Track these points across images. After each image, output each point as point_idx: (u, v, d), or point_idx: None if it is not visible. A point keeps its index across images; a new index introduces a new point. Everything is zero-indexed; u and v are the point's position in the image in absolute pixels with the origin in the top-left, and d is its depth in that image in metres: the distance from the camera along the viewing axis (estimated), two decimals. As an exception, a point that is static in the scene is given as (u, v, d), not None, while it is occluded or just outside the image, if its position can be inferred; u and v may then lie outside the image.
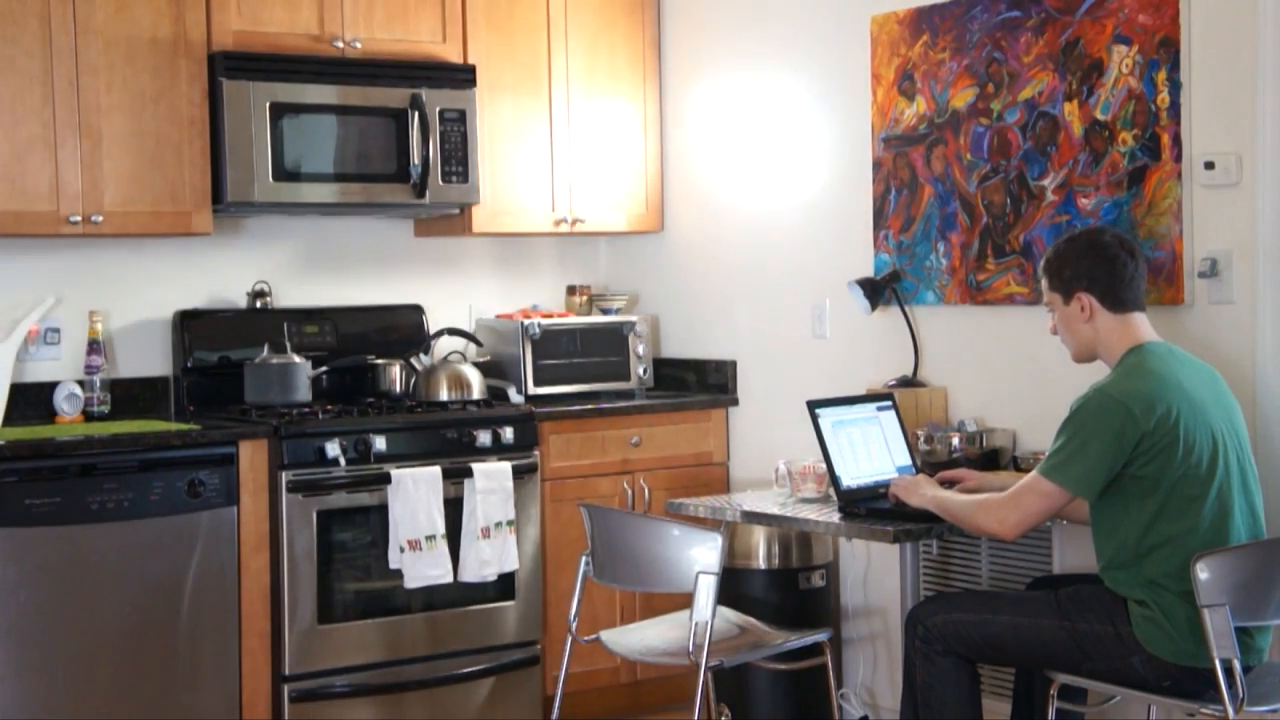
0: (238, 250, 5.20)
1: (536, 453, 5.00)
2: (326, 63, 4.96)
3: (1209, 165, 4.00)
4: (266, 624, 4.58)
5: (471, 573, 4.78)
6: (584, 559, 4.05)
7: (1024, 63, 4.44)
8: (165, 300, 5.07)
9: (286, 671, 4.59)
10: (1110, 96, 4.22)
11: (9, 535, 4.21)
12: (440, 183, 5.09)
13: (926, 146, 4.73)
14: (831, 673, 4.21)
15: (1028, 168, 4.44)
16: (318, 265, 5.37)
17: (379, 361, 5.18)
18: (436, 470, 4.72)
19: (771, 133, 5.29)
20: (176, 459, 4.46)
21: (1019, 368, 4.51)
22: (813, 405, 4.04)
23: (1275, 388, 3.91)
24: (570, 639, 4.06)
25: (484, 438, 4.89)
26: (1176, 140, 4.07)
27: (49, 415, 4.80)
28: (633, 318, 5.54)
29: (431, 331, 5.35)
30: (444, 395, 5.05)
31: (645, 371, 5.50)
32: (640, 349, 5.50)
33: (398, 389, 5.17)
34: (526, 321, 5.31)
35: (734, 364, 5.48)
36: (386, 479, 4.67)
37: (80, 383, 4.83)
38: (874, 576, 4.95)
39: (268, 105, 4.81)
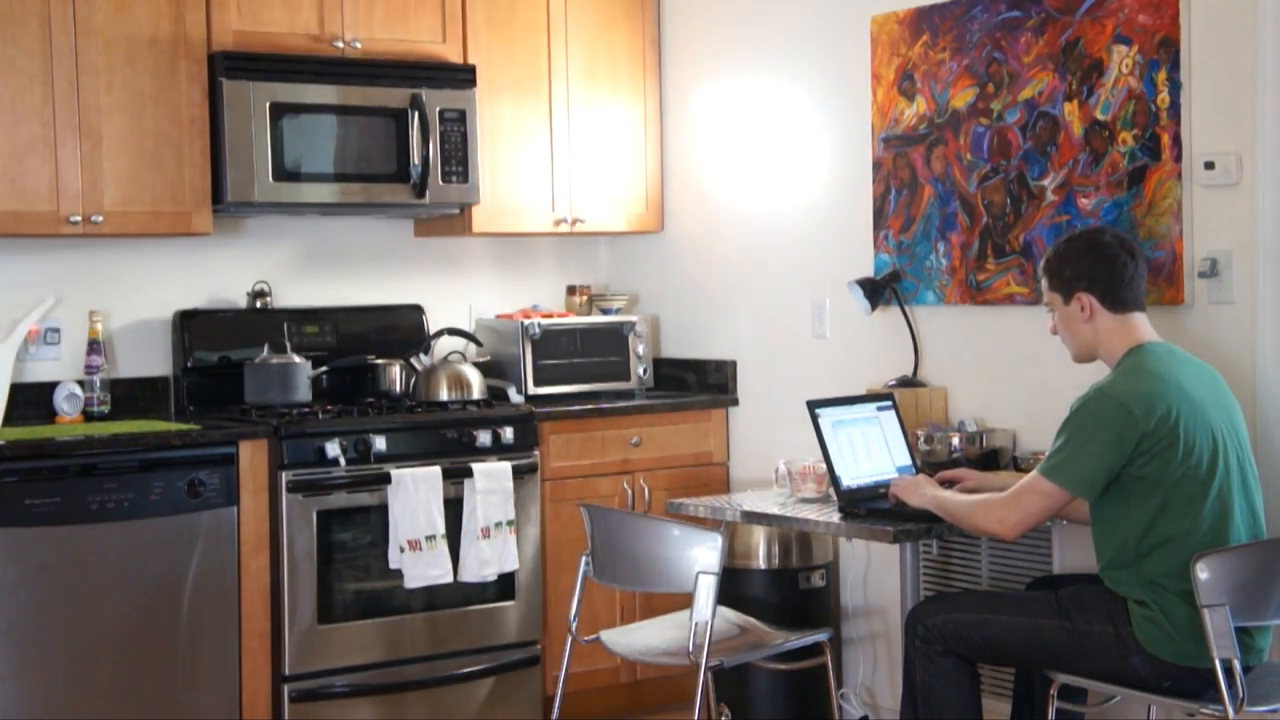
0: (238, 250, 5.20)
1: (536, 453, 5.00)
2: (326, 63, 4.96)
3: (1209, 165, 4.00)
4: (266, 624, 4.58)
5: (471, 573, 4.78)
6: (584, 559, 4.05)
7: (1024, 63, 4.44)
8: (165, 300, 5.07)
9: (286, 671, 4.59)
10: (1110, 96, 4.22)
11: (9, 535, 4.21)
12: (440, 183, 5.09)
13: (926, 146, 4.73)
14: (831, 673, 4.21)
15: (1028, 168, 4.44)
16: (318, 265, 5.37)
17: (379, 361, 5.18)
18: (436, 470, 4.72)
19: (771, 133, 5.29)
20: (176, 459, 4.46)
21: (1019, 368, 4.50)
22: (813, 405, 4.04)
23: (1275, 388, 3.91)
24: (570, 639, 4.06)
25: (484, 438, 4.89)
26: (1176, 140, 4.07)
27: (49, 415, 4.80)
28: (633, 318, 5.54)
29: (431, 331, 5.35)
30: (444, 395, 5.05)
31: (645, 371, 5.50)
32: (640, 349, 5.50)
33: (398, 389, 5.17)
34: (526, 321, 5.31)
35: (734, 364, 5.48)
36: (386, 479, 4.67)
37: (80, 383, 4.83)
38: (874, 576, 4.95)
39: (268, 105, 4.81)
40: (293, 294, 5.28)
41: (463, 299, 5.61)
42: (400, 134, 5.03)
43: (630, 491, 5.20)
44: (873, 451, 4.11)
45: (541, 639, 5.00)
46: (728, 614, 4.23)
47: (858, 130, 4.96)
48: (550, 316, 5.46)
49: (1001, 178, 4.52)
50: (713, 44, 5.52)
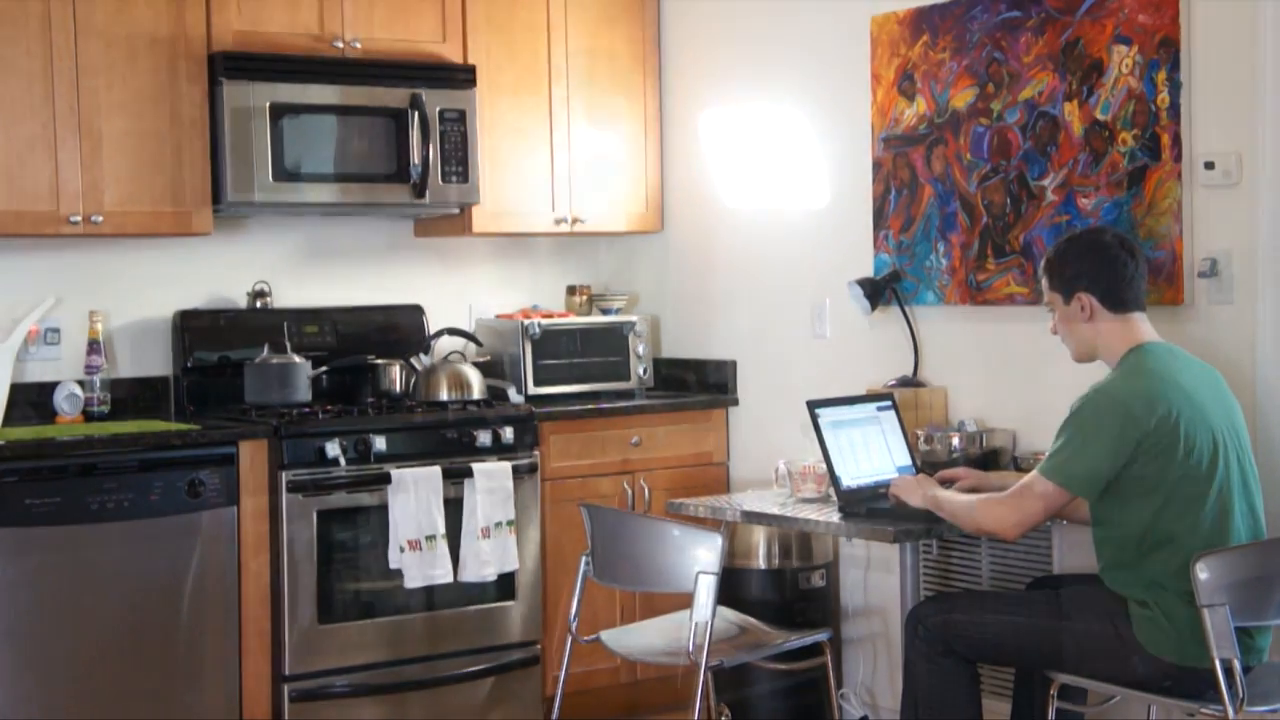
0: (238, 250, 5.20)
1: (536, 453, 5.00)
2: (326, 63, 4.96)
3: (1209, 165, 4.00)
4: (266, 624, 4.58)
5: (471, 573, 4.78)
6: (584, 559, 4.05)
7: (1024, 63, 4.44)
8: (165, 300, 5.07)
9: (286, 671, 4.59)
10: (1110, 96, 4.22)
11: (9, 535, 4.21)
12: (440, 183, 5.09)
13: (926, 147, 4.73)
14: (831, 673, 4.22)
15: (1028, 168, 4.44)
16: (318, 265, 5.37)
17: (379, 361, 5.18)
18: (436, 470, 4.72)
19: (771, 133, 5.29)
20: (176, 459, 4.46)
21: (1019, 368, 4.51)
22: (812, 405, 4.04)
23: (1275, 388, 3.91)
24: (570, 639, 4.06)
25: (484, 438, 4.89)
26: (1176, 140, 4.07)
27: (49, 415, 4.80)
28: (633, 318, 5.54)
29: (431, 331, 5.35)
30: (444, 395, 5.05)
31: (645, 371, 5.50)
32: (640, 349, 5.50)
33: (398, 389, 5.16)
34: (526, 321, 5.31)
35: (734, 364, 5.48)
36: (386, 479, 4.67)
37: (80, 383, 4.83)
38: (874, 576, 4.95)
39: (268, 105, 4.81)
40: (293, 294, 5.28)
41: (463, 299, 5.61)
42: (400, 134, 5.03)
43: (630, 491, 5.20)
44: (873, 451, 4.11)
45: (541, 639, 5.00)
46: (728, 614, 4.23)
47: (857, 130, 4.96)
48: (550, 316, 5.46)
49: (1001, 178, 4.52)
50: (713, 46, 5.52)
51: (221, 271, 5.17)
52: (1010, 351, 4.54)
